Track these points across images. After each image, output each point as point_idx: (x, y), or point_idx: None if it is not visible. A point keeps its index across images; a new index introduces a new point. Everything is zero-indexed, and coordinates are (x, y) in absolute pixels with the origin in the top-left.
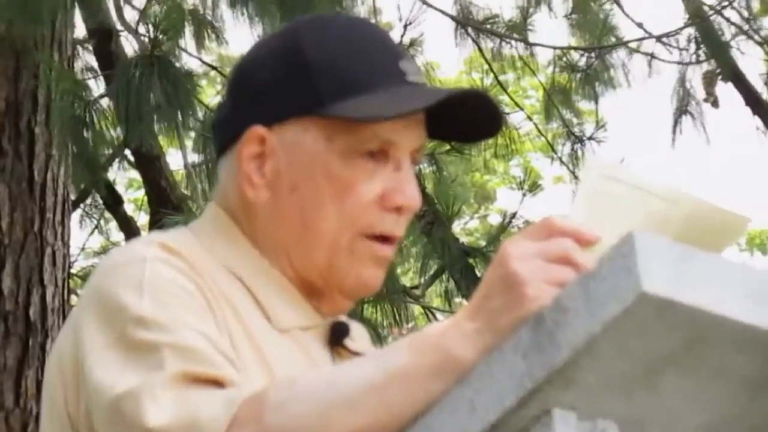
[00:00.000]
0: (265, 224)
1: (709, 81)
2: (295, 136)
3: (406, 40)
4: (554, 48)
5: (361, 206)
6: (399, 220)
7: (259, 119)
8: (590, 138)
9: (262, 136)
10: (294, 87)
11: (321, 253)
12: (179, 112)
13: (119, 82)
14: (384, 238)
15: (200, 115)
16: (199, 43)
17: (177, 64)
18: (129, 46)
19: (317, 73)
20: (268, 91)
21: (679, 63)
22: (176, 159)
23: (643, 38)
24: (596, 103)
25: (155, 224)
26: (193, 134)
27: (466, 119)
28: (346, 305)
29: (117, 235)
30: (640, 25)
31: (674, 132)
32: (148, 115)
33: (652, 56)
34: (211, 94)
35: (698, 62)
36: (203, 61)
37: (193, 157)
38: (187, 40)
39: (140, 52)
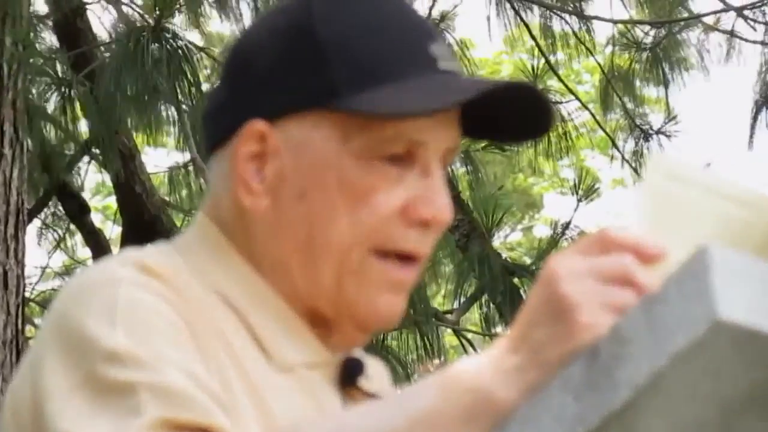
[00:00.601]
0: (264, 238)
1: None
2: (304, 134)
3: (436, 14)
4: (614, 22)
5: (380, 218)
6: (425, 235)
7: (260, 111)
8: (658, 132)
9: (263, 133)
10: (303, 73)
11: (328, 273)
12: (181, 94)
13: (117, 56)
14: (403, 257)
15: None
16: (194, 18)
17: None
18: (97, 22)
19: (331, 57)
20: (272, 77)
21: (763, 43)
22: (153, 159)
23: (721, 11)
24: (665, 88)
25: (127, 237)
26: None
27: (508, 115)
28: (360, 338)
29: (83, 252)
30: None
31: (753, 128)
32: (146, 96)
33: (732, 34)
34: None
35: None
36: (189, 42)
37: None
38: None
39: (123, 27)
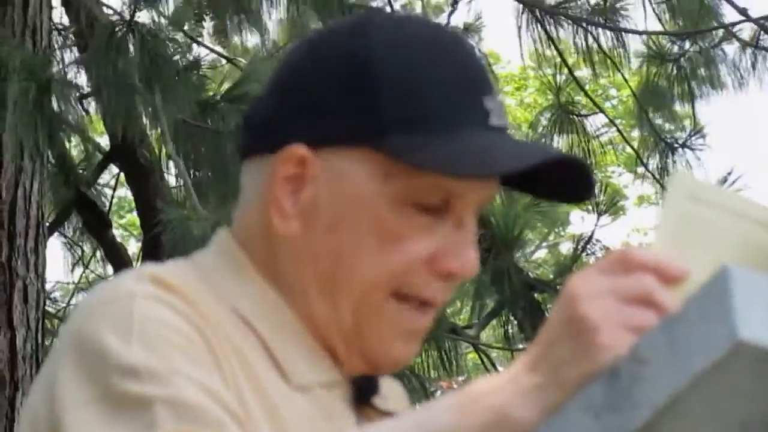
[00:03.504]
0: (288, 260)
1: None
2: (344, 167)
3: (458, 23)
4: (640, 33)
5: (406, 264)
6: (446, 286)
7: (304, 136)
8: (684, 145)
9: (304, 158)
10: (354, 107)
11: (346, 309)
12: (159, 97)
13: (94, 50)
14: (422, 303)
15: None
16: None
17: (162, 37)
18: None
19: (384, 96)
20: (321, 104)
21: None
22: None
23: (741, 21)
24: (692, 102)
25: (148, 250)
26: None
27: (550, 175)
28: (364, 371)
29: (105, 268)
30: (743, 12)
31: None
32: (129, 92)
33: (756, 46)
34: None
35: None
36: (209, 47)
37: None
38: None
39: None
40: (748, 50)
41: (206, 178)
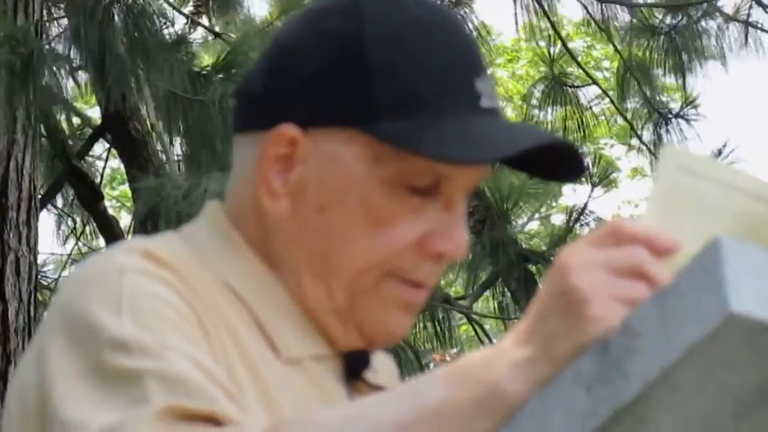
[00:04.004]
0: (278, 240)
1: None
2: (335, 148)
3: None
4: (631, 6)
5: (397, 247)
6: (436, 267)
7: (295, 116)
8: (677, 115)
9: (294, 138)
10: (345, 89)
11: (339, 290)
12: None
13: (78, 16)
14: (415, 284)
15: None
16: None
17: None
18: None
19: (376, 79)
20: (312, 85)
21: None
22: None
23: None
24: (683, 74)
25: (139, 222)
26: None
27: (539, 155)
28: (360, 347)
29: (97, 240)
30: None
31: None
32: (116, 63)
33: (748, 23)
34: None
35: None
36: (199, 22)
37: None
38: None
39: None
40: (738, 22)
41: (194, 147)
